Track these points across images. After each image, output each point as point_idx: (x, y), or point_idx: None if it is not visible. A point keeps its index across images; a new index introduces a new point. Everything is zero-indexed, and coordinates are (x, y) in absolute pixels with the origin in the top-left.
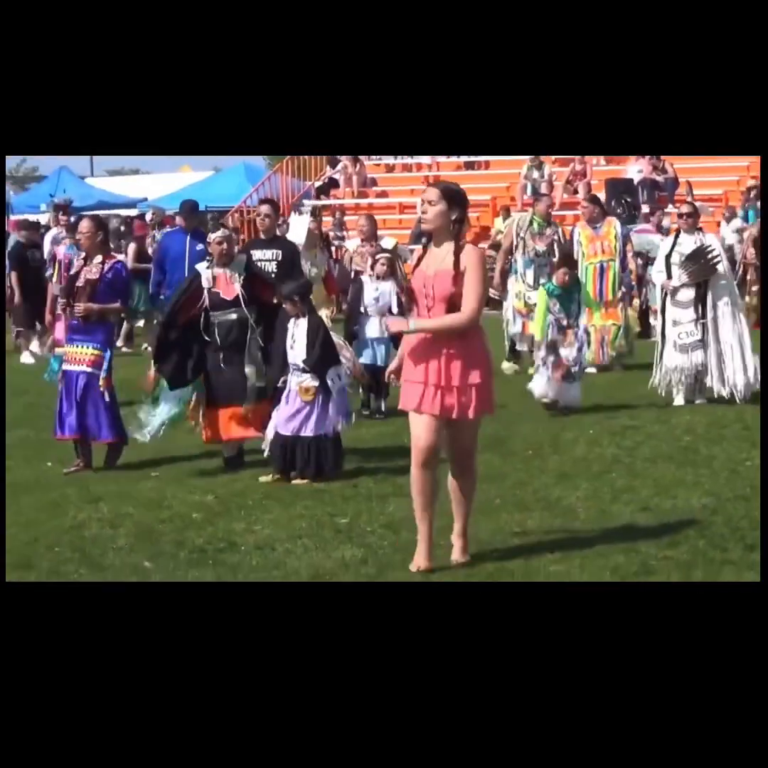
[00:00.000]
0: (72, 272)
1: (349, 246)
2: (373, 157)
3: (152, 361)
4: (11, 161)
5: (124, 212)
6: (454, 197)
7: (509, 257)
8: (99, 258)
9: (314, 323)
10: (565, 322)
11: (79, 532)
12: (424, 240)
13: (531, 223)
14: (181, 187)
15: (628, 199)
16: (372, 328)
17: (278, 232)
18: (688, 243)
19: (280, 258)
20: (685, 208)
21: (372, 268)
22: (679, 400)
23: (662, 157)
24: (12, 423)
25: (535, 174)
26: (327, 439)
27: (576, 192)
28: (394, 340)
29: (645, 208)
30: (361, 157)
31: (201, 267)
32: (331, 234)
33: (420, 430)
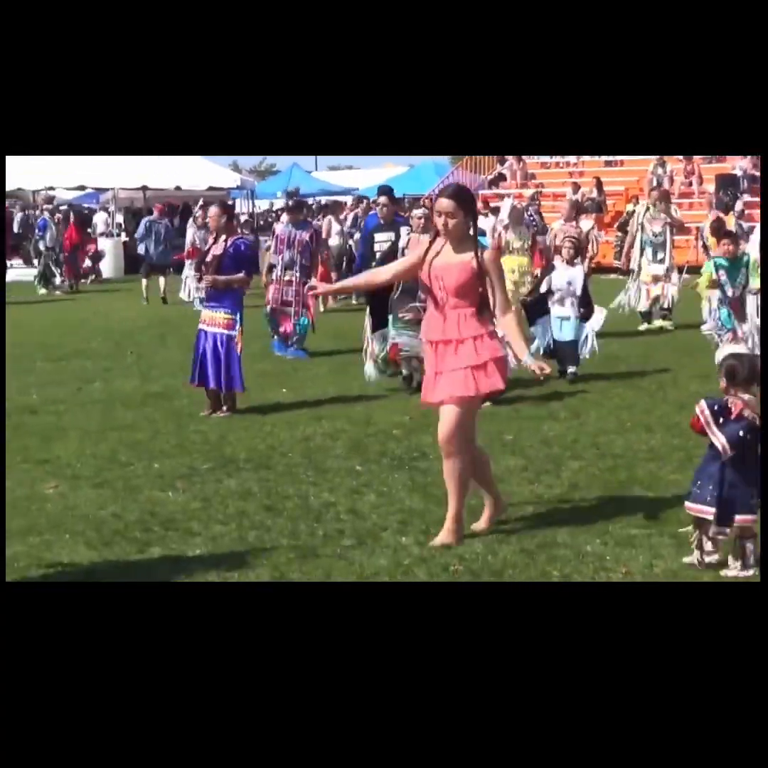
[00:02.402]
0: (204, 249)
1: (554, 226)
2: (533, 156)
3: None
4: (254, 158)
5: (340, 198)
6: (467, 202)
7: (633, 240)
8: (224, 236)
9: None
10: (730, 292)
11: (307, 443)
12: (431, 234)
13: (647, 209)
14: (384, 179)
15: (731, 190)
16: (558, 308)
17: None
18: None
19: (393, 239)
20: None
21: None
22: None
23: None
24: (254, 359)
25: (660, 170)
26: None
27: (691, 185)
28: (584, 319)
29: (746, 197)
30: (524, 157)
31: (403, 230)
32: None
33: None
